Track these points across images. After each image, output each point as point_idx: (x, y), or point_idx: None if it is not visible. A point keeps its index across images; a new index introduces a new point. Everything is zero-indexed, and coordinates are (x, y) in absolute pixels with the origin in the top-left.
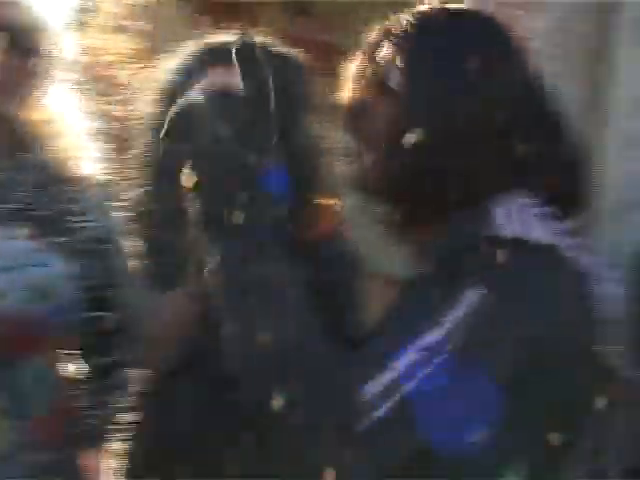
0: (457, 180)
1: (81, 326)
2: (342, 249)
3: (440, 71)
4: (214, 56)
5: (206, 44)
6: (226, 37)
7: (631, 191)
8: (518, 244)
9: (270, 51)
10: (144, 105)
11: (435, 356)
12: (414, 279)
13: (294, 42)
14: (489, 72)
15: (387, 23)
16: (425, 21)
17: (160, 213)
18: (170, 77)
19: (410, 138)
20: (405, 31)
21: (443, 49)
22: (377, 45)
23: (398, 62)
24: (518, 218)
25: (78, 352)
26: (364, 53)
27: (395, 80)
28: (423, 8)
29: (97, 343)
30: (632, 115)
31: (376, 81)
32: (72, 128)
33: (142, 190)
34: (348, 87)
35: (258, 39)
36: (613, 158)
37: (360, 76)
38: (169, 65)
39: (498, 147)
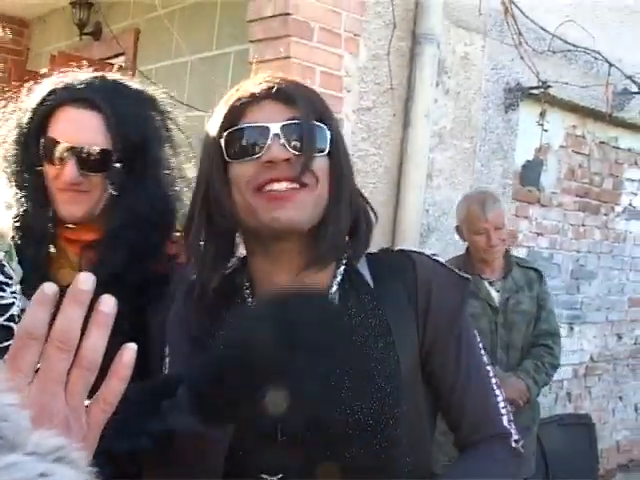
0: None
1: None
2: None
3: None
4: (68, 94)
5: (58, 82)
6: (79, 75)
7: (429, 218)
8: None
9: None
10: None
11: None
12: None
13: (83, 62)
14: None
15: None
16: None
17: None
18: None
19: None
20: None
21: None
22: None
23: None
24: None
25: None
26: None
27: None
28: None
29: None
30: (433, 148)
31: None
32: None
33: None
34: None
35: None
36: (416, 187)
37: None
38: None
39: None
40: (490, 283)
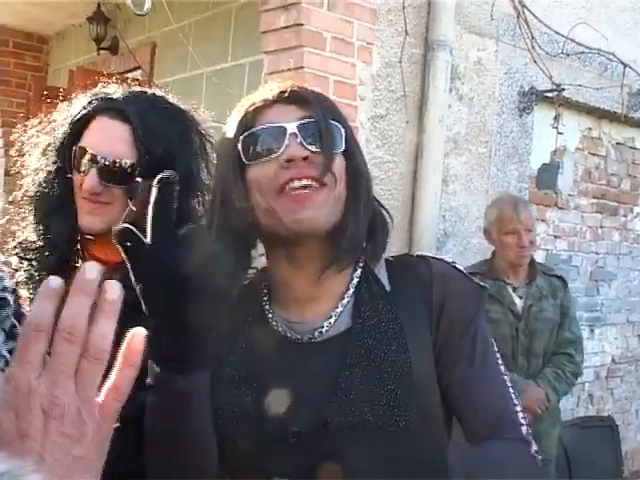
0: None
1: None
2: None
3: None
4: (104, 105)
5: (98, 93)
6: (112, 89)
7: (446, 223)
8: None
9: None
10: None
11: None
12: None
13: (102, 76)
14: None
15: None
16: None
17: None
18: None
19: None
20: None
21: None
22: None
23: None
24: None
25: None
26: None
27: None
28: None
29: None
30: (448, 153)
31: None
32: None
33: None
34: None
35: None
36: (431, 193)
37: None
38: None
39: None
40: (514, 289)
